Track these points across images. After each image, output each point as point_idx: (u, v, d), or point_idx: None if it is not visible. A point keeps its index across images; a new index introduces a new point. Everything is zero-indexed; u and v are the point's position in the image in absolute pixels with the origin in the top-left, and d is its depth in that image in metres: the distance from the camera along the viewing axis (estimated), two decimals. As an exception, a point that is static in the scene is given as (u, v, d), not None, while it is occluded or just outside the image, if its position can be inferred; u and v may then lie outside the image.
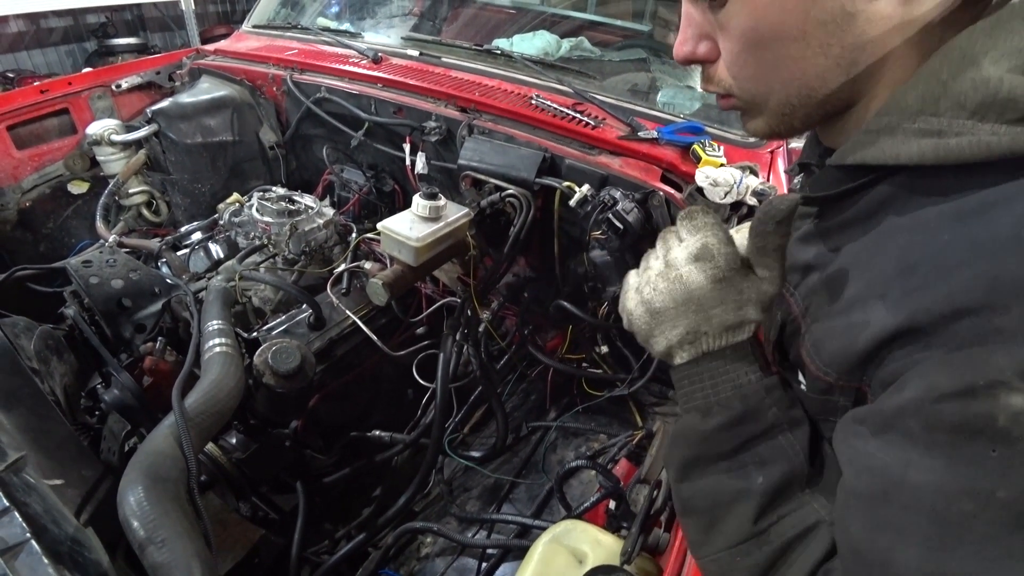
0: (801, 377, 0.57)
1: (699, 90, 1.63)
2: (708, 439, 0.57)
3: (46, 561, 0.72)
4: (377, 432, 1.48)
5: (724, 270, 0.56)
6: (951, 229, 0.44)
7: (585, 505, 0.97)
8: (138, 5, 5.99)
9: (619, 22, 2.20)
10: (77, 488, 0.98)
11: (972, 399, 0.39)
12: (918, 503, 0.41)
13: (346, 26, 2.12)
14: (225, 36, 2.38)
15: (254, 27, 2.27)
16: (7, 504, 0.77)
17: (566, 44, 1.90)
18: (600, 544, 0.84)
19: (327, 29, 2.07)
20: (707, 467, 0.57)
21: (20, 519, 0.76)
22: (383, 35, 2.13)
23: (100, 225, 1.76)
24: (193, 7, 5.23)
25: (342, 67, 1.79)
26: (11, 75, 4.94)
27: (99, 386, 1.39)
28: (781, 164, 1.47)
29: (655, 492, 0.82)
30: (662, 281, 0.58)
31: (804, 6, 0.49)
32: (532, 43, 1.87)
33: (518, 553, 0.90)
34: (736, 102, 0.60)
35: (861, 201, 0.52)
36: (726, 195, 1.22)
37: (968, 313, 0.40)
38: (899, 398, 0.43)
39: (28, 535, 0.74)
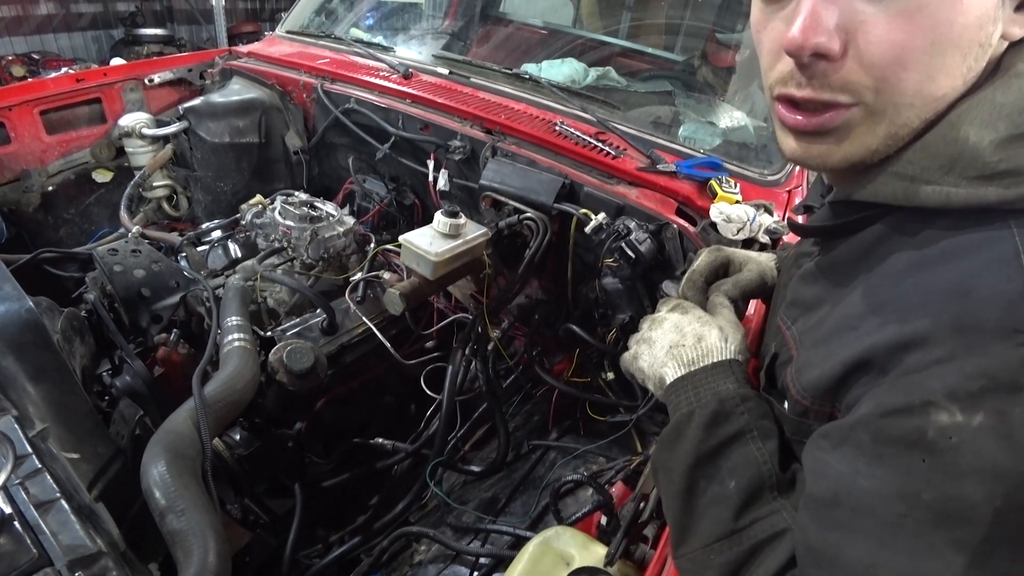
0: (785, 402, 0.63)
1: (721, 126, 1.66)
2: (689, 440, 0.63)
3: (74, 518, 0.76)
4: (380, 440, 1.49)
5: (689, 308, 0.75)
6: (914, 275, 0.51)
7: (577, 515, 0.99)
8: (169, -3, 6.11)
9: (651, 49, 2.23)
10: (91, 464, 1.00)
11: (910, 415, 0.45)
12: (863, 505, 0.47)
13: (379, 39, 2.16)
14: (252, 33, 2.43)
15: (287, 32, 2.32)
16: (39, 465, 0.80)
17: (593, 73, 1.94)
18: (587, 550, 0.86)
19: (360, 41, 2.10)
20: (687, 470, 0.62)
21: (51, 479, 0.79)
22: (415, 50, 2.18)
23: (124, 215, 1.79)
24: (223, 2, 5.29)
25: (373, 80, 1.82)
26: (36, 56, 5.01)
27: (106, 373, 1.41)
28: (797, 205, 1.50)
29: (642, 504, 0.84)
30: (650, 330, 0.75)
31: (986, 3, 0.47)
32: (560, 70, 1.92)
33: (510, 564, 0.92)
34: (836, 118, 0.52)
35: (854, 240, 0.59)
36: (739, 232, 1.24)
37: (916, 347, 0.47)
38: (855, 415, 0.50)
39: (58, 494, 0.77)
